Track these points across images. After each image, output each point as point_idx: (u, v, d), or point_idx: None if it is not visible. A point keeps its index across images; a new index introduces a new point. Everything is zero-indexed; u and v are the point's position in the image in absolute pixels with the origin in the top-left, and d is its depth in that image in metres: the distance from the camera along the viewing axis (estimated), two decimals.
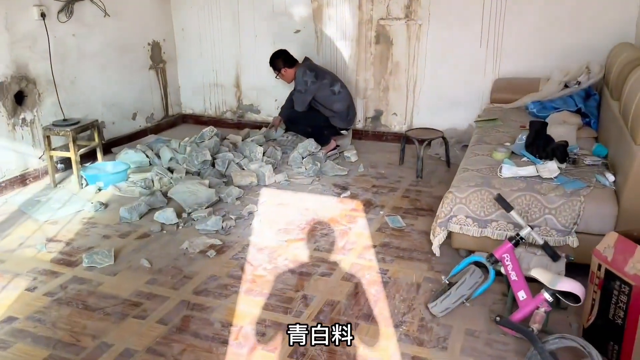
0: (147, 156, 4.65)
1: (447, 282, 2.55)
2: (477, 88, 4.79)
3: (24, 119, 4.11)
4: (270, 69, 4.83)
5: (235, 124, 5.83)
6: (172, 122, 5.84)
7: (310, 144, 4.65)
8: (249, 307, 2.64)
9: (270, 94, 5.55)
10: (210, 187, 3.95)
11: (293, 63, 4.70)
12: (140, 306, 2.63)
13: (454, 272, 2.54)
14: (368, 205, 3.84)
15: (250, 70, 5.58)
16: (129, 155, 4.59)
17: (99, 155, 4.37)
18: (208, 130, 4.67)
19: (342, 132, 4.90)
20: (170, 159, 4.53)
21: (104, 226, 3.50)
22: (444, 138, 4.51)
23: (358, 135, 5.33)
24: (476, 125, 4.02)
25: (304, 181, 4.29)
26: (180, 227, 3.47)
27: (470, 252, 2.98)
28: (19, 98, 4.07)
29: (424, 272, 2.93)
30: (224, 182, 4.21)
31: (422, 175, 4.35)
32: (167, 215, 3.53)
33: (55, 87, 4.30)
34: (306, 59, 4.73)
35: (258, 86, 5.59)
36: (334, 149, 4.90)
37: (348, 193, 4.04)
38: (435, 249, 2.94)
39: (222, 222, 3.46)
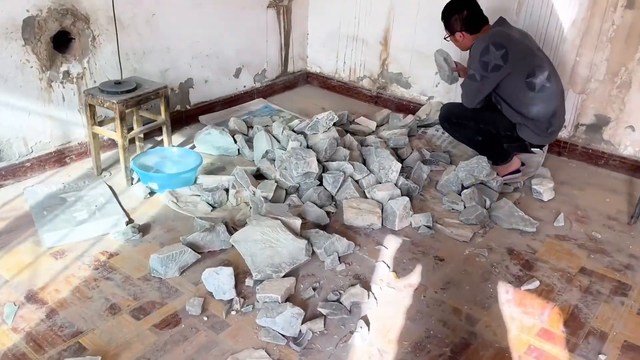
0: (236, 142, 3.23)
1: None
2: None
3: (66, 73, 2.85)
4: (442, 25, 2.99)
5: (372, 98, 4.15)
6: (291, 82, 4.33)
7: (479, 165, 2.85)
8: None
9: (430, 63, 3.74)
10: (302, 230, 2.42)
11: (478, 26, 2.83)
12: None
13: None
14: (573, 326, 2.06)
15: (406, 23, 3.80)
16: (212, 137, 3.21)
17: (165, 136, 3.03)
18: (325, 118, 3.07)
19: (533, 150, 3.01)
20: (266, 153, 3.07)
21: (122, 280, 2.17)
22: None
23: (557, 148, 3.39)
24: None
25: (459, 233, 2.58)
26: (232, 312, 2.03)
27: None
28: (61, 42, 2.81)
29: None
30: (328, 212, 2.66)
31: None
32: (219, 281, 2.09)
33: (115, 26, 2.95)
34: (500, 22, 2.82)
35: (414, 48, 3.81)
36: (515, 172, 3.07)
37: (535, 284, 2.27)
38: None
39: (302, 322, 1.95)
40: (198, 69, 3.55)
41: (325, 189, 2.78)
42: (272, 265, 2.19)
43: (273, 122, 3.66)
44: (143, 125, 3.02)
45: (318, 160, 2.90)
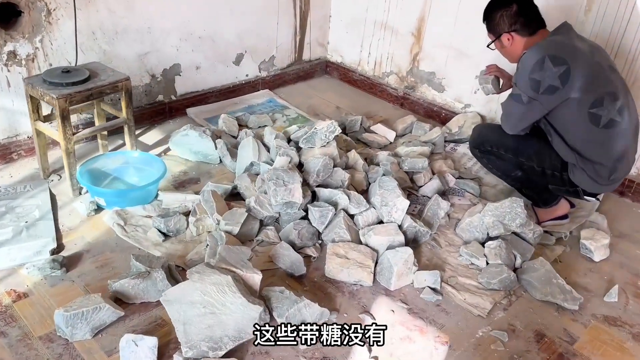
0: (216, 147, 2.67)
1: None
2: None
3: (12, 53, 2.35)
4: (483, 27, 2.30)
5: (398, 99, 3.50)
6: (306, 71, 3.72)
7: (512, 211, 2.19)
8: None
9: (470, 64, 3.06)
10: (264, 287, 1.86)
11: (532, 27, 2.13)
12: None
13: None
14: None
15: (445, 13, 3.11)
16: (190, 140, 2.67)
17: (127, 138, 2.49)
18: (325, 129, 2.48)
19: (587, 198, 2.31)
20: (251, 166, 2.51)
21: (18, 337, 1.68)
22: None
23: (619, 187, 2.67)
24: None
25: (474, 302, 1.97)
26: None
27: None
28: (7, 16, 2.30)
29: None
30: (309, 257, 2.09)
31: None
32: (137, 356, 1.58)
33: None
34: (564, 29, 2.09)
35: (452, 44, 3.13)
36: (561, 217, 2.40)
37: None
38: None
39: None
40: (188, 54, 2.99)
41: (311, 223, 2.20)
42: (211, 340, 1.65)
43: (273, 121, 3.11)
44: (106, 120, 2.52)
45: (308, 185, 2.33)
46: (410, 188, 2.57)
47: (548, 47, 1.99)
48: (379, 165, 2.59)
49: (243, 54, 3.28)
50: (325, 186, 2.35)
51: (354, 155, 2.58)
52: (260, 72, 3.43)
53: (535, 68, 1.97)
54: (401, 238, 2.12)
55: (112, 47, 2.65)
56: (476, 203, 2.52)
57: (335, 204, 2.25)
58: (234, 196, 2.42)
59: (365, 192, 2.46)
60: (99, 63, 2.44)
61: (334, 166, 2.41)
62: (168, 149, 2.73)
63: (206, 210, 2.18)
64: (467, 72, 3.10)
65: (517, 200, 2.22)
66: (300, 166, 2.46)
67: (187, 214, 2.23)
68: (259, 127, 3.03)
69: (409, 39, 3.33)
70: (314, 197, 2.34)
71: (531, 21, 2.13)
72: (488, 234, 2.25)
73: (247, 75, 3.37)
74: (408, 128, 3.13)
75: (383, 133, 3.04)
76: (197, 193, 2.37)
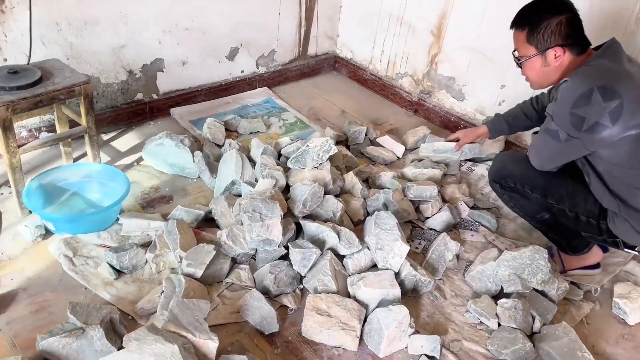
0: (194, 160, 2.33)
1: None
2: None
3: None
4: (511, 35, 1.84)
5: (412, 105, 3.11)
6: (312, 68, 3.33)
7: (534, 263, 1.82)
8: None
9: (495, 70, 2.65)
10: (222, 355, 1.52)
11: (582, 45, 1.69)
12: None
13: None
14: None
15: (470, 11, 2.68)
16: (165, 150, 2.33)
17: (89, 148, 2.15)
18: (319, 148, 2.11)
19: (627, 250, 1.90)
20: (232, 185, 2.16)
21: None
22: None
23: None
24: None
25: None
26: None
27: None
28: None
29: None
30: (285, 307, 1.76)
31: None
32: None
33: None
34: (612, 49, 1.65)
35: (476, 47, 2.71)
36: (592, 267, 2.02)
37: None
38: None
39: None
40: (172, 47, 2.63)
41: (291, 267, 1.86)
42: None
43: (267, 127, 2.76)
44: (70, 125, 2.20)
45: (292, 215, 1.98)
46: (415, 220, 2.20)
47: (597, 76, 1.56)
48: (381, 189, 2.22)
49: (238, 47, 2.90)
50: (314, 217, 2.00)
51: (351, 179, 2.21)
52: (258, 68, 3.06)
53: (579, 102, 1.55)
54: (397, 291, 1.76)
55: (81, 40, 2.30)
56: (492, 240, 2.16)
57: (322, 242, 1.90)
58: (209, 221, 2.09)
59: (361, 223, 2.11)
60: (58, 60, 2.10)
61: (326, 193, 2.06)
62: (141, 159, 2.40)
63: (168, 244, 1.85)
64: (491, 80, 2.69)
65: (540, 250, 1.84)
66: (288, 188, 2.11)
67: (148, 244, 1.90)
68: (251, 133, 2.69)
69: (428, 38, 2.91)
70: (300, 230, 1.99)
71: (582, 36, 1.71)
72: (501, 287, 1.88)
73: (242, 72, 3.00)
74: (420, 141, 2.73)
75: (390, 147, 2.67)
76: (165, 216, 2.05)
